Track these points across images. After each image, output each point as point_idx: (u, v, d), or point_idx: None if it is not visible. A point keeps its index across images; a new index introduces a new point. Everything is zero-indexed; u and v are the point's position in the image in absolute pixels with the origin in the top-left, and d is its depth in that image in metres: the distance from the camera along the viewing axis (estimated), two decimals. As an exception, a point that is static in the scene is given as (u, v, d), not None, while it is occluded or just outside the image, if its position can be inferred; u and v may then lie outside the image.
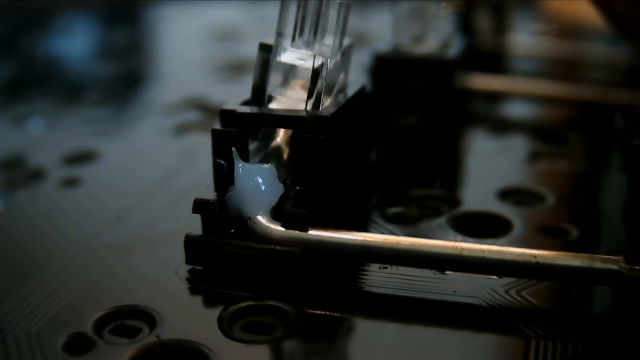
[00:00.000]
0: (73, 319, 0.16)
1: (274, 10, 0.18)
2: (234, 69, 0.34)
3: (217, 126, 0.18)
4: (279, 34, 0.18)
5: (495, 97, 0.30)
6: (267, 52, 0.18)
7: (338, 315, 0.17)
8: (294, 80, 0.19)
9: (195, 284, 0.18)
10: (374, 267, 0.18)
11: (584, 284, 0.17)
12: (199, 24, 0.43)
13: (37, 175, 0.24)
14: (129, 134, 0.29)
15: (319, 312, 0.17)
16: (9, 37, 0.41)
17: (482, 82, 0.28)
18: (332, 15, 0.19)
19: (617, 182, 0.23)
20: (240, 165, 0.17)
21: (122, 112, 0.31)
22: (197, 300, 0.17)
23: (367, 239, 0.17)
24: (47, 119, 0.29)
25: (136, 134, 0.29)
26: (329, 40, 0.19)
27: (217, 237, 0.17)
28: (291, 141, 0.18)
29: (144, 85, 0.36)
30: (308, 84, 0.18)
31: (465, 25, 0.31)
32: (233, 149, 0.18)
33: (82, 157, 0.25)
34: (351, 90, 0.20)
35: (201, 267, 0.18)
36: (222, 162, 0.18)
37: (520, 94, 0.29)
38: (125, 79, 0.35)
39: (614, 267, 0.16)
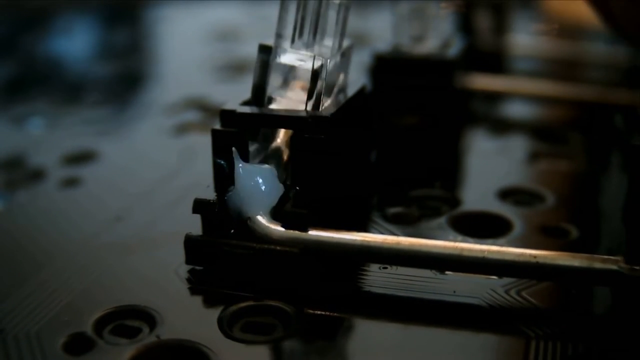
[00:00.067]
0: (73, 319, 0.16)
1: (274, 10, 0.18)
2: (234, 69, 0.34)
3: (217, 126, 0.18)
4: (279, 36, 0.18)
5: (495, 97, 0.30)
6: (266, 53, 0.18)
7: (338, 315, 0.16)
8: (294, 82, 0.19)
9: (195, 284, 0.18)
10: (374, 267, 0.18)
11: (583, 284, 0.17)
12: (199, 24, 0.43)
13: (37, 175, 0.24)
14: (129, 134, 0.29)
15: (319, 312, 0.17)
16: (9, 37, 0.41)
17: (482, 82, 0.28)
18: (332, 16, 0.19)
19: (617, 182, 0.23)
20: (240, 165, 0.17)
21: (122, 112, 0.31)
22: (197, 300, 0.17)
23: (367, 239, 0.17)
24: (47, 119, 0.29)
25: (136, 134, 0.29)
26: (329, 42, 0.19)
27: (217, 237, 0.17)
28: (291, 141, 0.18)
29: (144, 85, 0.36)
30: (308, 85, 0.18)
31: (465, 25, 0.31)
32: (233, 149, 0.18)
33: (82, 157, 0.25)
34: (351, 90, 0.20)
35: (201, 267, 0.18)
36: (222, 162, 0.18)
37: (520, 94, 0.29)
38: (125, 79, 0.35)
39: (614, 267, 0.16)
